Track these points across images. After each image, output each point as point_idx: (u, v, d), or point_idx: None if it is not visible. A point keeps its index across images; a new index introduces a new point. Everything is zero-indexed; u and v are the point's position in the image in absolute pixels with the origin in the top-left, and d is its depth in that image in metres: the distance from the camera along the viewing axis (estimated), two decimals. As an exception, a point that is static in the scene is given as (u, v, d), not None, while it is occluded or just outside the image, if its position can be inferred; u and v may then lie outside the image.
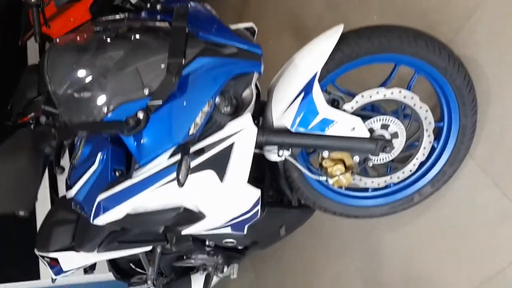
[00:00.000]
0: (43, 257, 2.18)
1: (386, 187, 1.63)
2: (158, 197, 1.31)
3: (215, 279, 2.25)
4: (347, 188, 1.64)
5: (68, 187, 1.57)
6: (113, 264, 2.52)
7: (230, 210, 1.45)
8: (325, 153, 1.43)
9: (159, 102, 1.16)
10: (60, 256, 2.09)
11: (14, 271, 2.69)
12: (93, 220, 1.45)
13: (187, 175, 1.11)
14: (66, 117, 1.30)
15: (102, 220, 1.42)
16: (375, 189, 1.64)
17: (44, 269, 2.78)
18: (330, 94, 1.46)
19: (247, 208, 1.46)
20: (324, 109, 1.35)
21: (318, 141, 1.35)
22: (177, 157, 1.23)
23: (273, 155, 1.41)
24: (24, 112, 2.92)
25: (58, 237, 2.10)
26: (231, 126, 1.26)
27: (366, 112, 1.46)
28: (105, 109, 1.23)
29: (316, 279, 2.25)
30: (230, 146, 1.25)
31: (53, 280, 2.57)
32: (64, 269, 2.09)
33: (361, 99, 1.42)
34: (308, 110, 1.34)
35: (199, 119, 1.21)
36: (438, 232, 1.68)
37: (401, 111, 1.48)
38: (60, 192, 3.19)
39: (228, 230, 1.62)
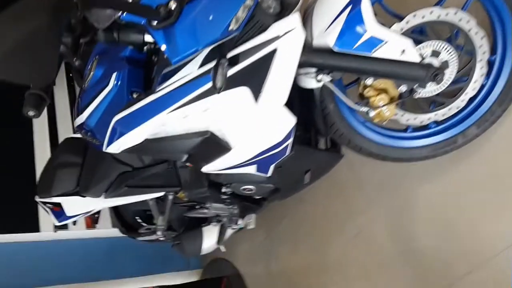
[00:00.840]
0: (44, 203, 2.03)
1: (427, 127, 1.49)
2: (183, 117, 1.15)
3: (229, 232, 2.12)
4: (384, 128, 1.49)
5: (77, 114, 1.41)
6: (118, 217, 2.38)
7: (261, 141, 1.30)
8: (369, 80, 1.27)
9: None
10: (63, 200, 1.94)
11: (11, 222, 2.55)
12: (106, 147, 1.30)
13: (224, 79, 0.95)
14: None
15: (117, 146, 1.27)
16: (414, 130, 1.49)
17: (44, 221, 2.64)
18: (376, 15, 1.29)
19: (278, 139, 1.31)
20: (373, 26, 1.18)
21: (364, 64, 1.19)
22: (209, 66, 1.07)
23: (310, 80, 1.26)
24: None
25: (61, 181, 1.95)
26: (276, 28, 1.09)
27: (415, 35, 1.30)
28: None
29: (333, 236, 2.13)
30: (272, 54, 1.09)
31: (55, 229, 2.44)
32: (68, 214, 1.95)
33: (412, 19, 1.26)
34: (355, 26, 1.18)
35: (241, 13, 1.03)
36: (478, 181, 1.54)
37: (454, 37, 1.32)
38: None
39: (252, 169, 1.48)
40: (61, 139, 3.05)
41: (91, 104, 1.31)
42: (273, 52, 1.09)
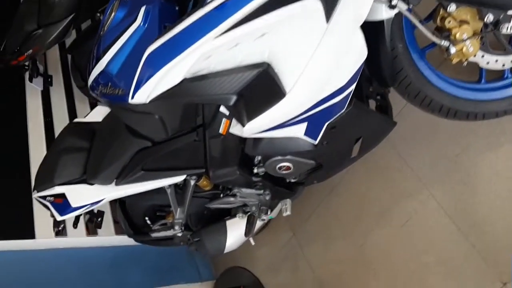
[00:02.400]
0: (44, 197, 1.75)
1: (503, 77, 1.27)
2: (234, 45, 0.91)
3: (258, 224, 1.85)
4: (456, 79, 1.27)
5: (93, 64, 1.17)
6: (127, 217, 2.09)
7: (322, 82, 1.06)
8: (452, 6, 1.06)
9: None
10: (67, 189, 1.67)
11: (3, 227, 2.25)
12: (133, 95, 1.05)
13: None
14: None
15: (147, 91, 1.03)
16: (489, 82, 1.28)
17: (40, 226, 2.35)
18: None
19: (344, 81, 1.08)
20: None
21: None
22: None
23: (380, 8, 1.04)
24: (21, 50, 2.50)
25: (65, 168, 1.68)
26: None
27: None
28: None
29: (376, 228, 1.88)
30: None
31: (55, 229, 2.14)
32: (73, 205, 1.67)
33: None
34: None
35: None
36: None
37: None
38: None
39: (301, 130, 1.24)
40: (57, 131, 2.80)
41: (113, 47, 1.08)
42: None
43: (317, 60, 0.99)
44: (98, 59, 1.13)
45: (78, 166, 1.68)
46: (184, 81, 0.99)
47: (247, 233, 1.72)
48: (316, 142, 1.31)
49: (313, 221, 2.20)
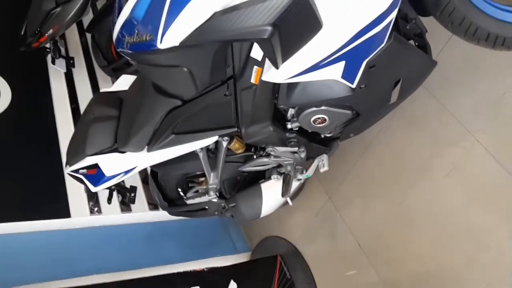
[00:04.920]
0: (77, 170, 1.74)
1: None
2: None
3: (294, 184, 1.79)
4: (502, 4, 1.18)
5: (117, 14, 1.12)
6: (160, 190, 2.07)
7: (360, 9, 0.99)
8: None
9: None
10: (100, 159, 1.65)
11: (40, 208, 2.27)
12: (162, 38, 1.00)
13: None
14: None
15: (176, 32, 0.98)
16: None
17: (75, 206, 2.36)
18: None
19: (384, 7, 1.00)
20: None
21: None
22: None
23: None
24: (41, 31, 2.48)
25: (96, 138, 1.66)
26: None
27: None
28: None
29: (417, 182, 1.80)
30: None
31: (92, 200, 2.14)
32: (107, 174, 1.65)
33: None
34: None
35: None
36: None
37: None
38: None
39: (338, 70, 1.17)
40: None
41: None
42: None
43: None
44: (121, 8, 1.08)
45: (108, 135, 1.65)
46: (214, 15, 0.93)
47: (284, 193, 1.66)
48: (354, 85, 1.24)
49: (349, 183, 2.13)
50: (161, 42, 1.00)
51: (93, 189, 1.71)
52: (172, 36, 0.97)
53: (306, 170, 1.77)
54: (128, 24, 1.06)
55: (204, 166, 1.71)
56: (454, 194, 1.65)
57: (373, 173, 1.98)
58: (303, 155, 1.64)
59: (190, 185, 2.12)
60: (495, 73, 1.52)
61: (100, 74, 3.12)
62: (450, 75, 1.63)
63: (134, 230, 2.60)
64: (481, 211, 1.57)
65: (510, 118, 1.48)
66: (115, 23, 1.14)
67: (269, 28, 0.92)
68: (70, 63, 2.98)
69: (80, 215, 2.36)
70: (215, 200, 1.83)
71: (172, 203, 2.10)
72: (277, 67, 1.07)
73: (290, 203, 1.90)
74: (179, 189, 2.10)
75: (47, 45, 2.78)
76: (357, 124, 1.52)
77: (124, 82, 1.80)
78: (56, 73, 2.93)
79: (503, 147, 1.50)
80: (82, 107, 2.93)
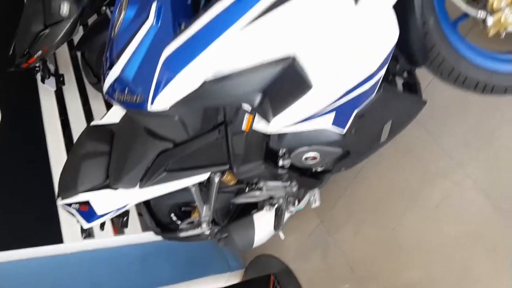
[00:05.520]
0: (69, 204, 1.73)
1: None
2: (261, 35, 0.85)
3: (286, 215, 1.80)
4: (491, 51, 1.19)
5: (107, 69, 1.12)
6: (153, 216, 2.07)
7: (350, 71, 0.99)
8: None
9: None
10: (92, 196, 1.64)
11: (32, 235, 2.26)
12: (153, 101, 1.00)
13: None
14: None
15: (166, 97, 0.98)
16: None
17: (67, 230, 2.35)
18: None
19: (374, 67, 1.01)
20: None
21: None
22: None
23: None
24: (30, 52, 2.46)
25: (88, 174, 1.65)
26: None
27: None
28: None
29: (407, 210, 1.81)
30: None
31: (83, 234, 2.13)
32: (99, 212, 1.65)
33: None
34: None
35: None
36: None
37: None
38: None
39: (328, 121, 1.18)
40: (76, 138, 2.78)
41: (127, 50, 1.02)
42: None
43: (345, 47, 0.92)
44: (112, 64, 1.07)
45: (100, 171, 1.65)
46: (205, 84, 0.93)
47: (276, 227, 1.68)
48: (344, 131, 1.25)
49: (341, 207, 2.15)
50: (151, 104, 0.99)
51: (85, 225, 1.70)
52: (163, 101, 0.98)
53: (299, 201, 1.78)
54: (119, 81, 1.06)
55: (197, 200, 1.71)
56: (444, 225, 1.67)
57: (365, 199, 2.00)
58: (294, 189, 1.65)
59: (183, 209, 2.13)
60: (485, 107, 1.53)
61: (90, 90, 3.11)
62: (440, 107, 1.65)
63: (127, 252, 2.59)
64: (469, 243, 1.59)
65: (499, 153, 1.50)
66: (104, 77, 1.14)
67: (259, 95, 0.93)
68: (60, 81, 2.96)
69: (72, 240, 2.35)
70: (207, 232, 1.83)
71: (165, 229, 2.10)
72: (268, 122, 1.07)
73: (282, 236, 1.91)
74: (172, 215, 2.11)
75: (37, 64, 2.76)
76: (348, 160, 1.53)
77: (115, 114, 1.79)
78: (46, 91, 2.91)
79: (491, 182, 1.52)
80: (73, 125, 2.91)
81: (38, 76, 2.88)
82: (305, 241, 2.40)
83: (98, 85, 2.83)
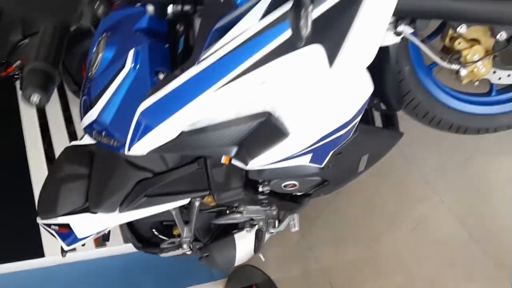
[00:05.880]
0: (49, 225, 1.72)
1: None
2: (237, 95, 0.86)
3: (266, 236, 1.82)
4: (464, 93, 1.22)
5: (85, 110, 1.11)
6: (134, 232, 2.07)
7: (326, 121, 1.01)
8: (462, 28, 0.99)
9: None
10: (72, 220, 1.63)
11: (12, 248, 2.24)
12: (130, 148, 1.00)
13: (310, 24, 0.66)
14: None
15: (143, 146, 0.98)
16: (500, 92, 1.22)
17: (49, 244, 2.34)
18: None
19: (349, 117, 1.02)
20: None
21: (465, 4, 0.91)
22: (276, 14, 0.78)
23: (387, 34, 0.97)
24: (9, 61, 2.42)
25: (67, 198, 1.63)
26: None
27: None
28: None
29: (385, 231, 1.85)
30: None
31: (64, 254, 2.12)
32: (79, 236, 1.64)
33: None
34: None
35: None
36: None
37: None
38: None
39: (306, 160, 1.20)
40: (56, 148, 2.76)
41: (104, 95, 1.02)
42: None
43: (320, 103, 0.93)
44: (90, 107, 1.07)
45: (79, 194, 1.63)
46: (182, 134, 0.94)
47: (257, 249, 1.69)
48: (322, 166, 1.26)
49: (321, 224, 2.18)
50: (128, 151, 1.00)
51: (65, 247, 1.70)
52: (140, 148, 0.98)
53: (279, 222, 1.80)
54: (96, 123, 1.06)
55: (178, 222, 1.72)
56: (420, 247, 1.71)
57: (345, 218, 2.03)
58: (274, 212, 1.67)
59: (165, 223, 2.13)
60: (462, 137, 1.56)
61: (71, 97, 3.07)
62: (418, 134, 1.67)
63: (109, 263, 2.59)
64: (443, 267, 1.63)
65: (473, 182, 1.54)
66: (82, 115, 1.13)
67: (235, 148, 0.94)
68: (40, 89, 2.91)
69: (53, 254, 2.34)
70: (189, 253, 1.84)
71: (147, 243, 2.10)
72: (245, 165, 1.08)
73: (263, 258, 1.93)
74: (154, 230, 2.11)
75: (16, 72, 2.72)
76: (326, 188, 1.55)
77: (95, 134, 1.78)
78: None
79: (465, 209, 1.56)
80: (53, 131, 2.88)
81: (18, 84, 2.84)
82: (287, 253, 2.43)
83: (78, 93, 2.80)
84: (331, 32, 0.80)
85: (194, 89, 0.84)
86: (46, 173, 2.44)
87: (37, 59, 0.81)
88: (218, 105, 0.87)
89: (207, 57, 0.83)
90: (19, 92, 2.87)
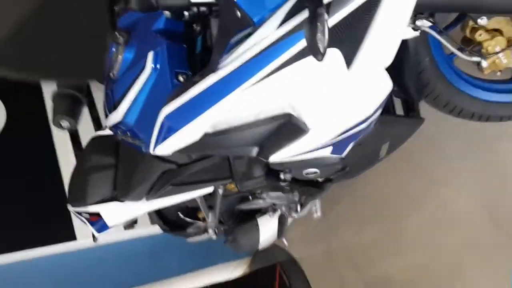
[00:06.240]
0: (79, 213, 1.80)
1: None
2: (258, 98, 0.87)
3: (289, 221, 1.86)
4: (486, 81, 1.20)
5: (109, 110, 1.15)
6: (160, 215, 2.14)
7: (346, 117, 1.02)
8: (483, 20, 0.97)
9: None
10: (102, 209, 1.70)
11: (45, 233, 2.34)
12: (154, 148, 1.04)
13: (326, 37, 0.66)
14: None
15: (168, 147, 1.01)
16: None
17: (80, 228, 2.43)
18: None
19: (369, 113, 1.03)
20: None
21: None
22: (293, 22, 0.78)
23: (406, 28, 0.96)
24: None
25: (96, 187, 1.70)
26: None
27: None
28: None
29: (407, 213, 1.86)
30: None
31: (95, 239, 2.22)
32: (109, 224, 1.71)
33: None
34: None
35: None
36: None
37: None
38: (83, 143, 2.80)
39: (326, 152, 1.21)
40: (82, 135, 2.82)
41: (127, 97, 1.05)
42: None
43: (339, 100, 0.94)
44: (113, 108, 1.10)
45: (107, 183, 1.69)
46: (205, 136, 0.96)
47: (280, 234, 1.74)
48: (343, 156, 1.28)
49: (344, 204, 2.20)
50: (153, 150, 1.03)
51: (96, 235, 1.77)
52: (164, 149, 1.01)
53: (301, 206, 1.83)
54: (121, 124, 1.09)
55: (202, 209, 1.77)
56: (441, 230, 1.73)
57: (368, 198, 2.05)
58: (296, 198, 1.70)
59: (190, 205, 2.19)
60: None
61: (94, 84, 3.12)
62: (440, 115, 1.66)
63: (138, 244, 2.68)
64: (463, 248, 1.65)
65: (497, 165, 1.53)
66: (107, 113, 1.17)
67: (255, 148, 0.96)
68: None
69: (85, 237, 2.44)
70: (214, 237, 1.90)
71: (173, 226, 2.18)
72: (266, 159, 1.11)
73: (286, 243, 1.97)
74: (179, 213, 2.17)
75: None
76: (348, 173, 1.57)
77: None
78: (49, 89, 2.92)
79: (486, 192, 1.57)
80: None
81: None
82: (310, 232, 2.47)
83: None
84: (348, 36, 0.80)
85: (216, 94, 0.86)
86: (72, 155, 2.53)
87: (62, 84, 0.83)
88: (240, 108, 0.89)
89: (226, 65, 0.85)
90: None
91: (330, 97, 0.92)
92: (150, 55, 1.01)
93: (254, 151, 0.97)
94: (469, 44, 1.05)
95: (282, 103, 0.91)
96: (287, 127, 0.96)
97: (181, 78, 0.99)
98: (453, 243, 1.69)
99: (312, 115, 0.96)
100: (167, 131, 0.96)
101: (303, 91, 0.89)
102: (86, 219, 1.80)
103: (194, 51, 1.04)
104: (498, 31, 1.01)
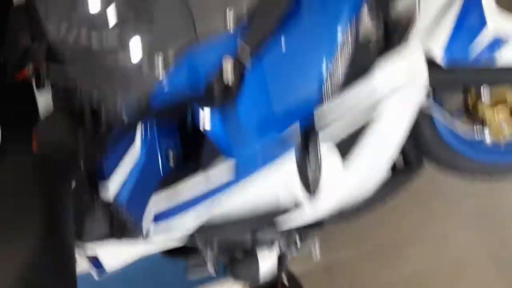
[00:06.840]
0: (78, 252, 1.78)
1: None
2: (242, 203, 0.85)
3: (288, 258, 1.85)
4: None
5: (101, 177, 1.12)
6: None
7: (347, 199, 0.99)
8: (487, 96, 0.93)
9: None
10: (99, 252, 1.68)
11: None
12: (146, 235, 1.02)
13: (319, 176, 0.63)
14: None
15: (160, 238, 0.99)
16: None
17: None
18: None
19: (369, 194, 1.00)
20: (494, 18, 0.82)
21: (486, 75, 0.85)
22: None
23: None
24: (21, 65, 2.42)
25: (92, 225, 1.68)
26: (386, 72, 0.73)
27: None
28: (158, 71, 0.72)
29: (408, 243, 1.85)
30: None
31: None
32: (108, 269, 1.70)
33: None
34: (471, 23, 0.82)
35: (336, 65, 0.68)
36: None
37: None
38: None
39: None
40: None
41: (117, 174, 1.02)
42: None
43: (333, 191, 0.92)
44: (105, 177, 1.08)
45: (104, 221, 1.67)
46: (199, 229, 0.94)
47: (279, 272, 1.73)
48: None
49: (341, 230, 2.20)
50: (146, 237, 1.01)
51: (96, 277, 1.76)
52: (156, 237, 0.99)
53: (301, 239, 1.81)
54: (115, 201, 1.07)
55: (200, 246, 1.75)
56: (441, 266, 1.72)
57: (367, 235, 2.05)
58: (296, 237, 1.68)
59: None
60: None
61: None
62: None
63: (136, 261, 2.68)
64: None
65: (500, 206, 1.51)
66: (98, 178, 1.14)
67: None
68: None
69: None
70: (214, 273, 1.88)
71: (172, 251, 2.17)
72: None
73: (286, 282, 1.96)
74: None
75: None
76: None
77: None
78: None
79: (487, 231, 1.54)
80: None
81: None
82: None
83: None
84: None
85: (200, 202, 0.84)
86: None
87: None
88: (235, 204, 0.86)
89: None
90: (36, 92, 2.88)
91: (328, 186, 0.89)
92: (139, 131, 0.97)
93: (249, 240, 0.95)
94: (470, 112, 1.01)
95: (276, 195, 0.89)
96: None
97: (171, 154, 0.97)
98: (447, 277, 1.69)
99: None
100: (158, 228, 0.94)
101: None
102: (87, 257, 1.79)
103: (186, 130, 1.00)
104: (501, 100, 0.97)
